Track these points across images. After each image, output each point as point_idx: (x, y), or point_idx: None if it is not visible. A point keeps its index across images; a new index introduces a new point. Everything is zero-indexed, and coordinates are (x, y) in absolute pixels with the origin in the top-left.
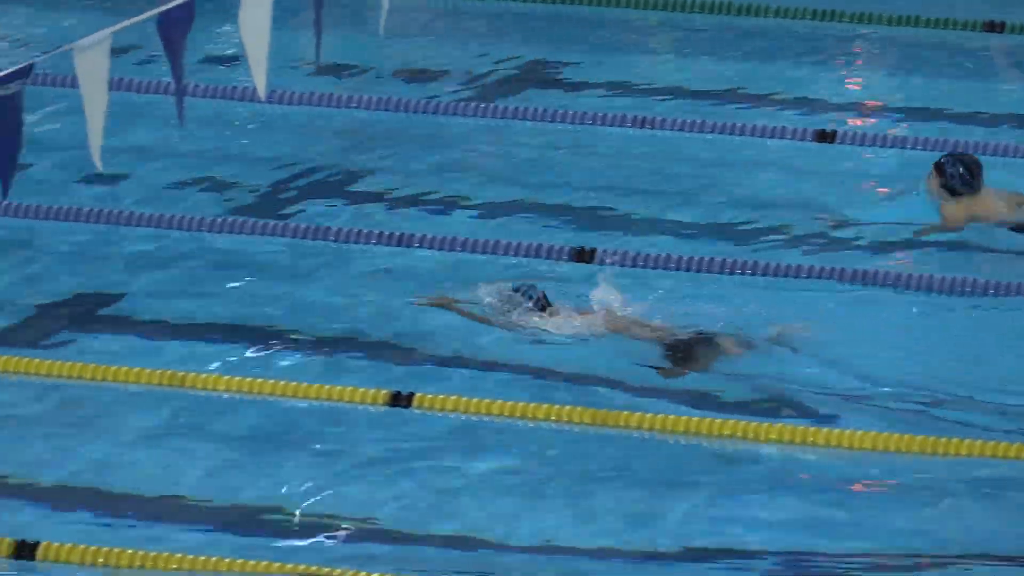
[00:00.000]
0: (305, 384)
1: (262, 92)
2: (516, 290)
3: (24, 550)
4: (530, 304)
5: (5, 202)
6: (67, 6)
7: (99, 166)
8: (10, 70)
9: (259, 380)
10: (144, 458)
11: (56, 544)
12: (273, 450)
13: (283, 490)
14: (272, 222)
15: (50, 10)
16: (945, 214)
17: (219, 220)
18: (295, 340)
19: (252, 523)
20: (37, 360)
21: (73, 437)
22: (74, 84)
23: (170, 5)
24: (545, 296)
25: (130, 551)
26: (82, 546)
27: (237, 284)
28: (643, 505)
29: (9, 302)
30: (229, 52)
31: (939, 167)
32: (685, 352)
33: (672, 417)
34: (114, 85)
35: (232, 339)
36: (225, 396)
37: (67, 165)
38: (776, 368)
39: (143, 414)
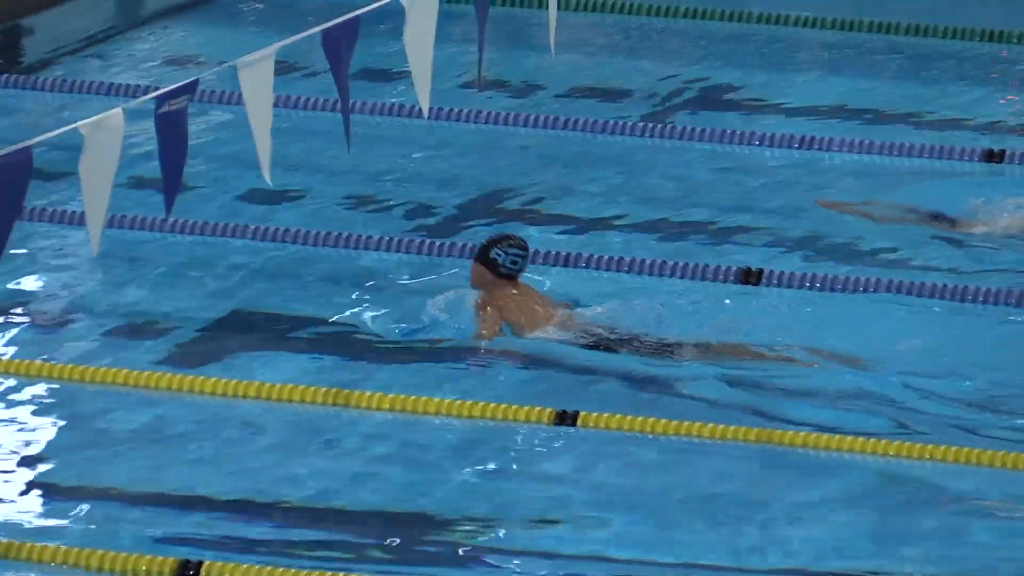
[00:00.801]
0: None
1: (425, 109)
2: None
3: (188, 570)
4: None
5: (172, 219)
6: (231, 22)
7: (270, 182)
8: (175, 86)
9: (420, 398)
10: (316, 474)
11: (219, 563)
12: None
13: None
14: (437, 241)
15: (214, 26)
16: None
17: (385, 239)
18: (462, 360)
19: (416, 540)
20: (214, 379)
21: (249, 457)
22: (239, 101)
23: (335, 22)
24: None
25: (292, 571)
26: (244, 565)
27: (396, 303)
28: (733, 515)
29: (184, 320)
30: (393, 69)
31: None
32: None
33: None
34: (280, 102)
35: (392, 358)
36: (379, 415)
37: (228, 181)
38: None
39: (311, 434)
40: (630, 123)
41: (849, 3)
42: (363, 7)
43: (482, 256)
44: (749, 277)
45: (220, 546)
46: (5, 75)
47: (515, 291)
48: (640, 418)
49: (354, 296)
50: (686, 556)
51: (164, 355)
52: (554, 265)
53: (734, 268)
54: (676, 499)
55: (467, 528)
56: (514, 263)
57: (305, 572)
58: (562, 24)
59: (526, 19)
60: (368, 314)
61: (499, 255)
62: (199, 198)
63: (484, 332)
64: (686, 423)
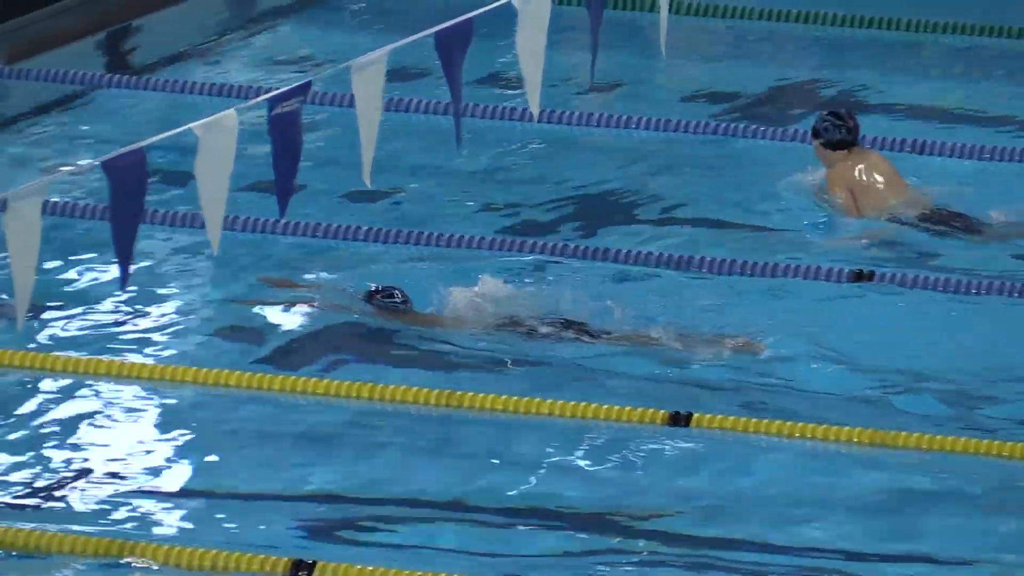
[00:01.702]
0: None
1: (535, 111)
2: (377, 291)
3: (301, 569)
4: (397, 302)
5: (284, 221)
6: (342, 24)
7: (369, 183)
8: (289, 88)
9: (546, 401)
10: (422, 472)
11: (332, 564)
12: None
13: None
14: (551, 242)
15: (326, 28)
16: (831, 179)
17: (498, 240)
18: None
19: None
20: (337, 382)
21: (364, 457)
22: (351, 103)
23: (449, 24)
24: (404, 296)
25: (406, 572)
26: (358, 566)
27: (507, 302)
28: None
29: (294, 321)
30: (505, 72)
31: (815, 129)
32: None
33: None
34: (392, 105)
35: (495, 367)
36: (500, 415)
37: (339, 183)
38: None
39: (424, 431)
40: (741, 126)
41: (963, 5)
42: (476, 9)
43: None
44: (861, 277)
45: (333, 545)
46: (117, 75)
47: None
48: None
49: (462, 295)
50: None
51: (281, 358)
52: (666, 267)
53: (846, 270)
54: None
55: (593, 526)
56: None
57: (420, 574)
58: (673, 27)
59: (637, 22)
60: (474, 315)
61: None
62: (309, 197)
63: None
64: (800, 424)
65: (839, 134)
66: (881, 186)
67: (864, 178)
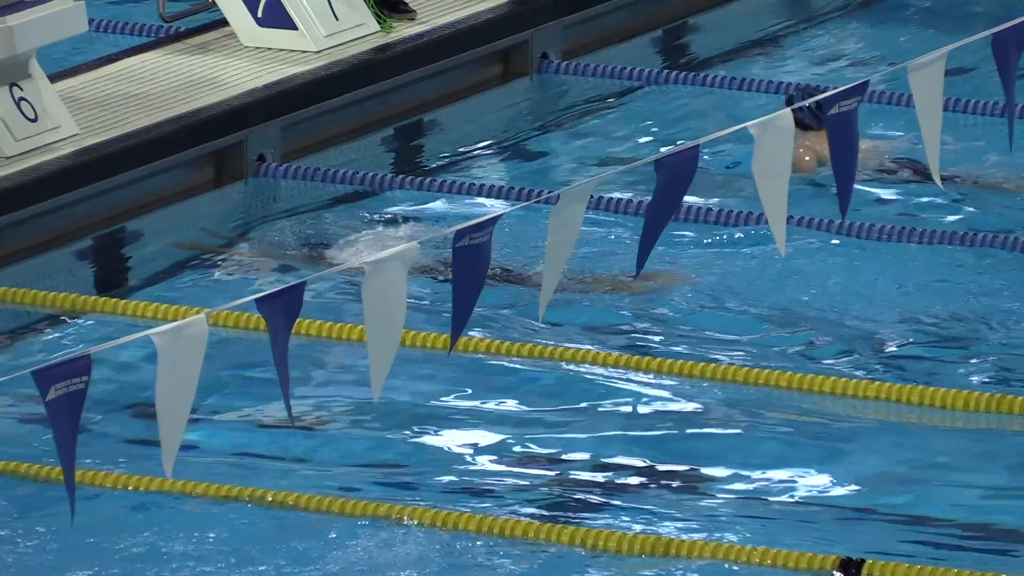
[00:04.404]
0: None
1: None
2: None
3: (851, 568)
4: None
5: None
6: (899, 22)
7: (940, 185)
8: (846, 87)
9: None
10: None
11: (880, 562)
12: None
13: None
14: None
15: (883, 26)
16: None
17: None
18: None
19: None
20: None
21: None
22: (909, 103)
23: (1006, 25)
24: None
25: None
26: (906, 564)
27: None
28: None
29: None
30: None
31: (789, 103)
32: None
33: None
34: (948, 105)
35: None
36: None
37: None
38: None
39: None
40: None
41: None
42: None
43: None
44: None
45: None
46: (674, 72)
47: None
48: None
49: None
50: None
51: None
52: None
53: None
54: None
55: None
56: None
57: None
58: None
59: None
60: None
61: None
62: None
63: None
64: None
65: (809, 119)
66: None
67: (824, 147)
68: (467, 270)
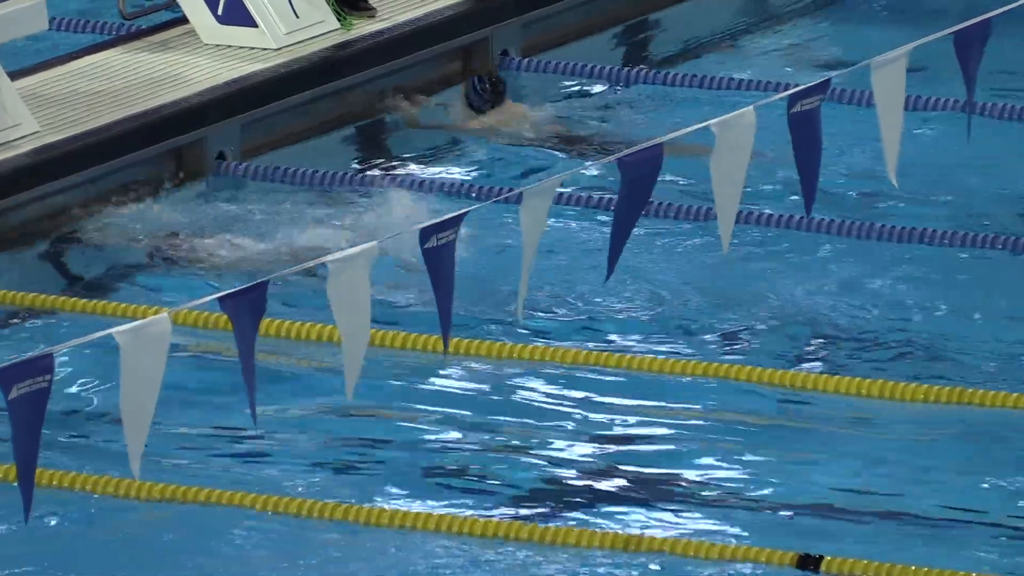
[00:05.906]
0: None
1: None
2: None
3: (809, 564)
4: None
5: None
6: (861, 20)
7: (895, 182)
8: (808, 85)
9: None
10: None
11: (839, 559)
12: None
13: None
14: None
15: (842, 24)
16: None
17: None
18: None
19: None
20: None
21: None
22: (869, 102)
23: (968, 23)
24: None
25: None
26: (864, 561)
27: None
28: None
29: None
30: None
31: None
32: None
33: None
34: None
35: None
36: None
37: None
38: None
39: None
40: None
41: None
42: (996, 9)
43: None
44: None
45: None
46: (635, 70)
47: None
48: None
49: None
50: None
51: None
52: None
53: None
54: None
55: None
56: None
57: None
58: None
59: None
60: None
61: None
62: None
63: None
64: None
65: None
66: None
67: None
68: (439, 268)
